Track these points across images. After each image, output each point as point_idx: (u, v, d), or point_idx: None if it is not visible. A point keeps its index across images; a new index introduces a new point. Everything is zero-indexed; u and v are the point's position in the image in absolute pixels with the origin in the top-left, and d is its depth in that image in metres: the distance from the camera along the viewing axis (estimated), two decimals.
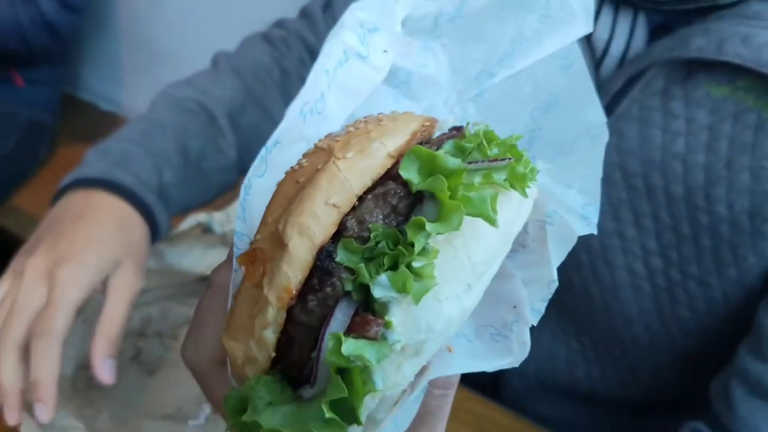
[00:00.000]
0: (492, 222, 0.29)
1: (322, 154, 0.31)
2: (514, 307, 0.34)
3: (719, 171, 0.55)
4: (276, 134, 0.33)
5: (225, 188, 0.78)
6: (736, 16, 0.52)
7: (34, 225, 1.39)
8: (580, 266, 0.63)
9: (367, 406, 0.28)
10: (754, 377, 0.55)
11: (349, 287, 0.28)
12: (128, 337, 0.69)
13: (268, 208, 0.31)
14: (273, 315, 0.29)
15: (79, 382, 0.67)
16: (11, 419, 0.57)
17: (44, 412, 0.57)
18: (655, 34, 0.58)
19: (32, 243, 0.63)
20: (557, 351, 0.71)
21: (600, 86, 0.59)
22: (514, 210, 0.31)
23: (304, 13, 0.82)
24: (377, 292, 0.28)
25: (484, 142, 0.31)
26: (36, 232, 0.65)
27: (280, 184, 0.32)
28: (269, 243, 0.29)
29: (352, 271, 0.28)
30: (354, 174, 0.30)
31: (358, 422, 0.27)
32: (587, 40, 0.59)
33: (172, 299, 0.77)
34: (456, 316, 0.28)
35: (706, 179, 0.55)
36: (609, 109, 0.59)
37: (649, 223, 0.59)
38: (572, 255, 0.61)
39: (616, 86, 0.58)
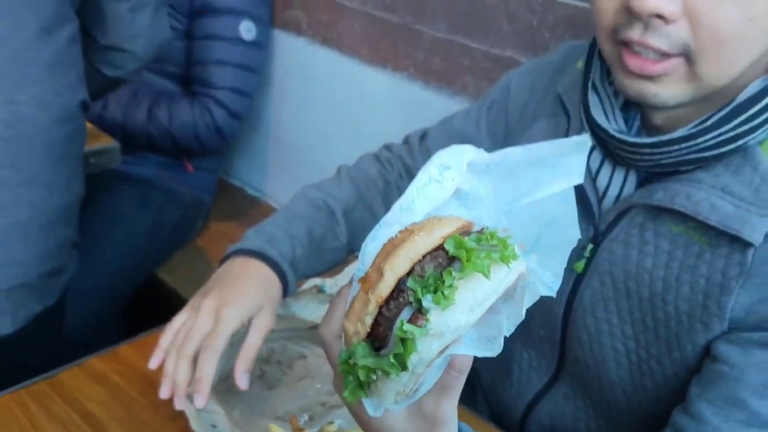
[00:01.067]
0: (487, 276, 0.53)
1: (407, 232, 0.57)
2: (498, 328, 0.58)
3: (671, 282, 0.75)
4: (385, 218, 0.59)
5: (336, 263, 1.05)
6: (686, 180, 0.73)
7: (189, 280, 1.74)
8: (582, 345, 0.85)
9: (411, 361, 0.52)
10: (679, 427, 0.74)
11: (411, 299, 0.53)
12: (257, 362, 0.96)
13: (376, 257, 0.57)
14: (372, 309, 0.54)
15: (220, 386, 0.94)
16: (179, 405, 0.85)
17: (201, 400, 0.84)
18: (641, 183, 0.81)
19: (206, 289, 0.91)
20: (567, 407, 0.91)
21: (600, 216, 0.82)
22: (503, 273, 0.55)
23: (406, 141, 1.10)
24: (425, 303, 0.53)
25: (489, 237, 0.56)
26: (209, 282, 0.93)
27: (383, 246, 0.58)
28: (375, 273, 0.55)
29: (413, 291, 0.54)
30: (422, 244, 0.55)
31: (405, 368, 0.52)
32: (593, 184, 0.82)
33: (290, 339, 1.05)
34: (463, 323, 0.52)
35: (663, 287, 0.76)
36: (605, 232, 0.81)
37: (627, 315, 0.80)
38: (578, 337, 0.83)
39: (610, 217, 0.80)
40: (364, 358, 0.54)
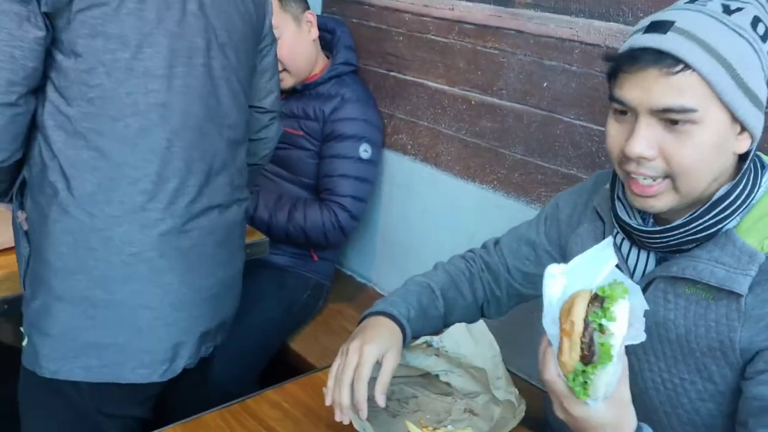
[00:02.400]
0: (625, 299, 0.87)
1: (570, 299, 0.91)
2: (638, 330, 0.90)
3: (690, 327, 1.05)
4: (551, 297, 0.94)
5: (436, 329, 1.36)
6: (689, 256, 1.05)
7: (313, 349, 2.07)
8: (630, 379, 1.16)
9: (613, 351, 0.85)
10: None
11: (595, 327, 0.84)
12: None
13: (560, 319, 0.90)
14: (576, 340, 0.87)
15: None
16: (345, 420, 1.16)
17: (363, 413, 1.15)
18: (659, 261, 1.12)
19: (351, 338, 1.26)
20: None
21: None
22: (627, 301, 0.88)
23: (484, 245, 1.42)
24: (603, 323, 0.85)
25: (616, 283, 0.91)
26: (352, 335, 1.27)
27: (561, 312, 0.93)
28: (567, 325, 0.87)
29: (594, 321, 0.85)
30: (583, 298, 0.88)
31: (611, 357, 0.85)
32: (626, 264, 1.14)
33: (406, 383, 1.38)
34: (625, 328, 0.86)
35: (685, 331, 1.06)
36: None
37: (660, 354, 1.10)
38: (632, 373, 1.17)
39: (641, 286, 1.14)
40: (584, 368, 0.88)
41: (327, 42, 2.17)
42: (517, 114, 1.81)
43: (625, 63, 1.00)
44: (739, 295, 1.01)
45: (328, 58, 2.17)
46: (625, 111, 1.02)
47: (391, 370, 1.20)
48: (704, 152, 0.99)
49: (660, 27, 0.99)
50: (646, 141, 0.99)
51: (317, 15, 2.18)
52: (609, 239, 0.97)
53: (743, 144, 1.03)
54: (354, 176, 2.05)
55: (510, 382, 1.33)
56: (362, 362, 1.17)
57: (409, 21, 2.05)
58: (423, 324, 1.33)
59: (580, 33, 1.65)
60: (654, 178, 1.02)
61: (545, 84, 1.74)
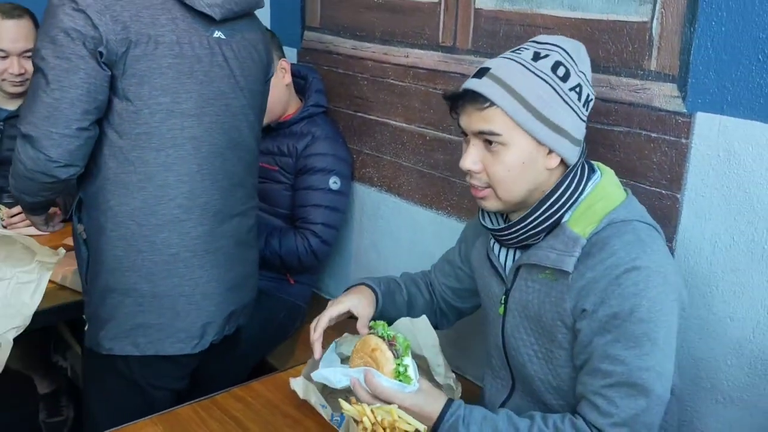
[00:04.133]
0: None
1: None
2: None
3: (544, 305, 1.30)
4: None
5: (401, 314, 1.60)
6: (536, 247, 1.31)
7: (289, 361, 2.28)
8: (514, 356, 1.37)
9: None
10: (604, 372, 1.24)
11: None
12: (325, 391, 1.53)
13: (355, 356, 1.24)
14: (387, 355, 1.23)
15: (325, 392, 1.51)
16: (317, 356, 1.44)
17: (317, 353, 1.43)
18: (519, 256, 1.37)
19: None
20: (523, 405, 1.41)
21: (505, 278, 1.39)
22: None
23: (432, 267, 1.70)
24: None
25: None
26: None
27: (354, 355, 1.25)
28: (369, 350, 1.23)
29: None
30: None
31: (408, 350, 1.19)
32: (498, 259, 1.40)
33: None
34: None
35: (540, 310, 1.31)
36: (510, 287, 1.38)
37: (530, 331, 1.35)
38: (511, 353, 1.44)
39: (511, 277, 1.36)
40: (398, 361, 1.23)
41: (300, 86, 2.41)
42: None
43: (456, 100, 1.32)
44: (567, 273, 1.27)
45: (301, 100, 2.40)
46: (466, 134, 1.33)
47: (366, 314, 1.49)
48: (512, 168, 1.29)
49: (480, 73, 1.31)
50: (471, 158, 1.31)
51: (292, 63, 2.44)
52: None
53: (553, 161, 1.31)
54: (325, 205, 2.26)
55: (449, 368, 1.55)
56: (326, 311, 1.47)
57: (372, 67, 2.30)
58: (390, 303, 1.59)
59: None
60: (480, 186, 1.33)
61: None
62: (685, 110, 1.51)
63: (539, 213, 1.31)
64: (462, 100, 1.31)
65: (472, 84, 1.29)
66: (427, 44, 2.10)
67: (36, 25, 2.36)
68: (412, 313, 1.62)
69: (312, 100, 2.36)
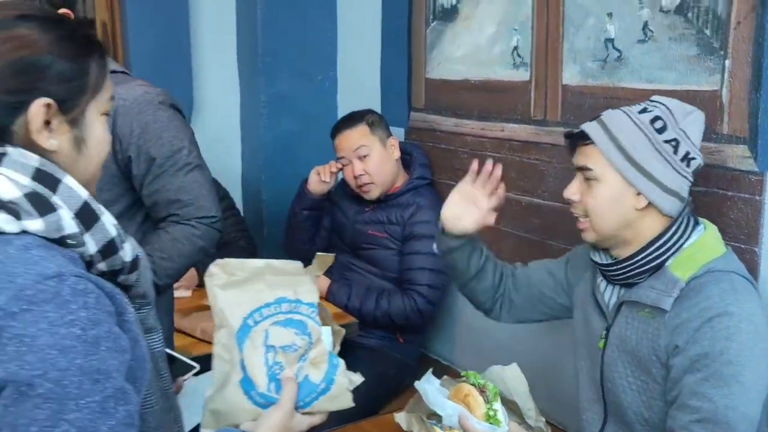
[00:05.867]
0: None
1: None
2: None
3: (642, 341, 1.42)
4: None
5: (477, 269, 1.75)
6: (637, 287, 1.43)
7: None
8: (611, 389, 1.50)
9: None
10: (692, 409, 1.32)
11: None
12: None
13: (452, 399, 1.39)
14: (479, 400, 1.40)
15: None
16: None
17: None
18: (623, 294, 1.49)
19: None
20: None
21: (607, 314, 1.51)
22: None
23: (515, 265, 1.87)
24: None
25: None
26: None
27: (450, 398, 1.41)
28: (463, 395, 1.36)
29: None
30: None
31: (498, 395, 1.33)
32: (602, 296, 1.53)
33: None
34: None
35: (638, 344, 1.43)
36: (611, 323, 1.50)
37: (628, 364, 1.46)
38: (608, 386, 1.56)
39: (613, 313, 1.48)
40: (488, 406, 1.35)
41: (406, 162, 2.66)
42: (557, 211, 2.20)
43: (572, 139, 1.52)
44: (665, 311, 1.39)
45: (407, 174, 2.64)
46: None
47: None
48: (602, 201, 1.46)
49: (595, 118, 1.50)
50: (572, 189, 1.51)
51: (400, 141, 2.69)
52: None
53: (641, 203, 1.45)
54: (429, 268, 2.45)
55: (539, 413, 1.67)
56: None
57: (471, 142, 2.51)
58: (473, 251, 1.73)
59: None
60: (581, 217, 1.50)
61: None
62: (756, 169, 1.62)
63: (645, 254, 1.45)
64: (572, 138, 1.51)
65: (584, 125, 1.48)
66: (520, 119, 2.29)
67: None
68: (476, 278, 1.75)
69: (417, 173, 2.59)
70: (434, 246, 2.44)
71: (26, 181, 0.89)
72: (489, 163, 1.65)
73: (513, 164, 2.34)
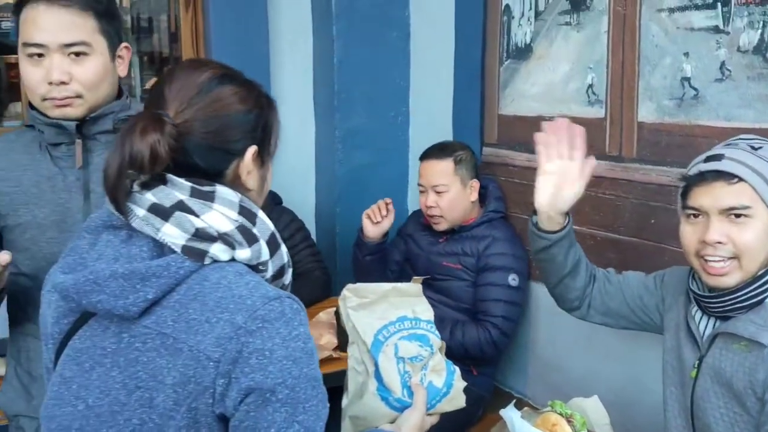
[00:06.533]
0: None
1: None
2: None
3: (734, 372, 1.44)
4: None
5: (572, 263, 1.77)
6: (735, 319, 1.44)
7: None
8: (701, 418, 1.51)
9: None
10: None
11: None
12: None
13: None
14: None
15: None
16: None
17: None
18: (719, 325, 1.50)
19: None
20: None
21: (701, 344, 1.52)
22: None
23: (608, 270, 1.88)
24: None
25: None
26: None
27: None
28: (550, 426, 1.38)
29: None
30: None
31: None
32: (697, 326, 1.54)
33: None
34: None
35: (733, 376, 1.44)
36: (704, 353, 1.51)
37: (720, 395, 1.48)
38: (698, 415, 1.58)
39: (707, 344, 1.50)
40: None
41: (481, 195, 2.71)
42: (632, 246, 2.23)
43: (696, 181, 1.49)
44: (763, 346, 1.41)
45: (481, 208, 2.70)
46: (698, 215, 1.49)
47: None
48: (758, 236, 1.44)
49: (715, 158, 1.48)
50: (718, 231, 1.45)
51: None
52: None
53: None
54: (504, 300, 2.49)
55: None
56: None
57: None
58: (570, 245, 1.74)
59: (675, 179, 2.06)
60: (725, 260, 1.46)
61: (653, 221, 2.15)
62: None
63: (749, 289, 1.46)
64: (703, 179, 1.46)
65: (715, 166, 1.45)
66: (595, 154, 2.32)
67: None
68: (571, 273, 1.77)
69: (492, 206, 2.65)
70: (509, 277, 2.51)
71: (235, 216, 1.01)
72: (557, 119, 1.65)
73: (588, 199, 2.36)
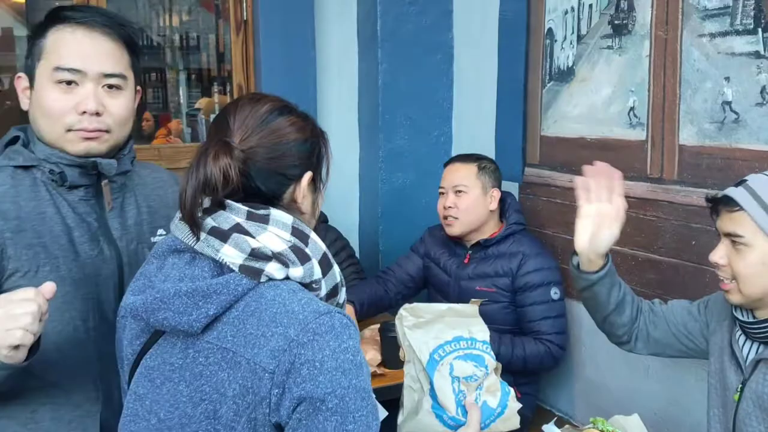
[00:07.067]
0: None
1: None
2: None
3: None
4: None
5: (617, 300, 1.77)
6: None
7: None
8: None
9: None
10: None
11: None
12: None
13: None
14: None
15: None
16: None
17: None
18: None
19: None
20: None
21: (744, 368, 1.53)
22: None
23: (652, 301, 1.85)
24: None
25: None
26: None
27: None
28: None
29: None
30: None
31: None
32: (741, 351, 1.56)
33: None
34: None
35: None
36: (747, 377, 1.53)
37: (761, 419, 1.49)
38: None
39: (750, 368, 1.52)
40: None
41: (501, 209, 2.71)
42: (673, 267, 2.24)
43: (715, 203, 1.56)
44: None
45: (502, 223, 2.70)
46: (719, 234, 1.56)
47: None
48: (752, 266, 1.48)
49: (740, 183, 1.52)
50: (719, 253, 1.53)
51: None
52: None
53: None
54: (552, 316, 2.51)
55: None
56: None
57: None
58: (612, 281, 1.77)
59: None
60: (729, 279, 1.53)
61: (693, 242, 2.17)
62: None
63: None
64: (718, 204, 1.53)
65: (728, 191, 1.51)
66: (636, 176, 2.36)
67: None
68: (616, 310, 1.79)
69: (513, 219, 2.67)
70: (551, 292, 2.52)
71: (288, 237, 1.08)
72: (596, 164, 1.70)
73: (629, 220, 2.36)
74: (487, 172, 2.66)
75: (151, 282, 1.10)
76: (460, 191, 2.62)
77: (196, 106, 4.64)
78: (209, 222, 1.07)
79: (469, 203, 2.62)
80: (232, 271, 1.05)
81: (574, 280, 1.80)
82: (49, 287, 1.18)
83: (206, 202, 1.08)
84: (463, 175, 2.64)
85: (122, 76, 1.41)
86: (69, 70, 1.35)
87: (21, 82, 1.42)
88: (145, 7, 5.02)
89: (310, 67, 3.12)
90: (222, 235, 1.05)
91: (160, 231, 1.52)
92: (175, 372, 1.06)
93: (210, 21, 4.79)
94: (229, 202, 1.08)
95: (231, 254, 1.05)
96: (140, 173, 1.56)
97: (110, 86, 1.39)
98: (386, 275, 2.88)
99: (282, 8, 3.03)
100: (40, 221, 1.36)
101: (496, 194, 2.67)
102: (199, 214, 1.07)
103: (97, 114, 1.36)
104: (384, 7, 3.06)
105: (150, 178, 1.58)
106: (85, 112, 1.35)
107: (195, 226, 1.07)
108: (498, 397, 1.47)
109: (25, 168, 1.39)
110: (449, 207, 2.62)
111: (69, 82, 1.36)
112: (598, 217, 1.69)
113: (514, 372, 2.49)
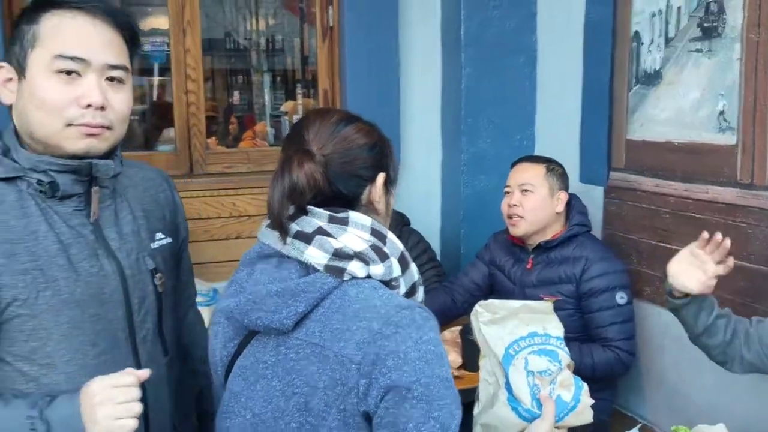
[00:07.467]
0: None
1: None
2: None
3: None
4: None
5: (715, 338, 1.79)
6: None
7: None
8: None
9: None
10: None
11: None
12: None
13: None
14: None
15: None
16: None
17: None
18: None
19: None
20: None
21: None
22: None
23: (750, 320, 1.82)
24: None
25: None
26: None
27: None
28: None
29: None
30: None
31: None
32: None
33: None
34: None
35: None
36: None
37: None
38: None
39: None
40: None
41: (566, 213, 2.68)
42: (763, 274, 2.19)
43: None
44: None
45: (566, 225, 2.67)
46: None
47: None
48: None
49: None
50: None
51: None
52: None
53: None
54: (620, 321, 2.47)
55: None
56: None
57: (673, 202, 2.54)
58: (714, 319, 1.80)
59: None
60: None
61: None
62: None
63: None
64: None
65: None
66: (725, 182, 2.31)
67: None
68: (704, 334, 1.80)
69: (575, 220, 2.64)
70: (617, 296, 2.49)
71: (368, 237, 1.15)
72: (718, 235, 1.74)
73: (717, 226, 2.33)
74: (555, 174, 2.66)
75: (243, 287, 1.18)
76: (526, 190, 2.62)
77: (282, 108, 4.77)
78: (294, 227, 1.14)
79: (535, 203, 2.61)
80: (317, 271, 1.12)
81: (667, 298, 1.83)
82: (145, 373, 1.19)
83: (291, 210, 1.15)
84: (531, 175, 2.64)
85: (125, 69, 1.29)
86: (72, 58, 1.21)
87: (1, 72, 1.26)
88: (231, 10, 5.20)
89: (393, 73, 3.16)
90: (306, 238, 1.13)
91: (159, 234, 1.42)
92: (268, 369, 1.14)
93: (295, 24, 4.92)
94: (311, 207, 1.15)
95: (316, 255, 1.12)
96: (128, 173, 1.42)
97: (112, 79, 1.26)
98: (453, 284, 2.91)
99: (367, 14, 3.09)
100: (34, 241, 1.21)
101: (564, 197, 2.66)
102: (285, 220, 1.14)
103: (102, 108, 1.23)
104: (468, 11, 3.08)
105: (139, 178, 1.45)
106: (89, 106, 1.22)
107: (283, 231, 1.14)
108: (572, 391, 1.50)
109: (7, 180, 1.23)
110: (514, 205, 2.62)
111: (69, 72, 1.22)
112: (699, 262, 1.75)
113: (584, 379, 2.47)
